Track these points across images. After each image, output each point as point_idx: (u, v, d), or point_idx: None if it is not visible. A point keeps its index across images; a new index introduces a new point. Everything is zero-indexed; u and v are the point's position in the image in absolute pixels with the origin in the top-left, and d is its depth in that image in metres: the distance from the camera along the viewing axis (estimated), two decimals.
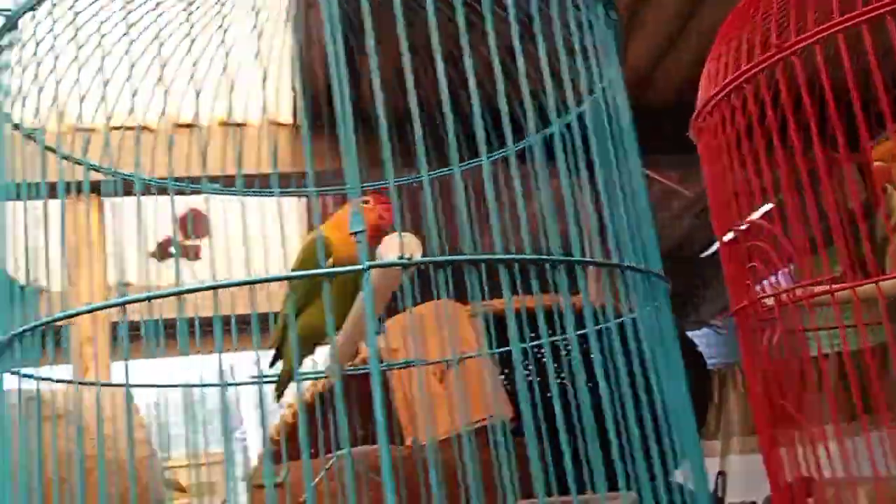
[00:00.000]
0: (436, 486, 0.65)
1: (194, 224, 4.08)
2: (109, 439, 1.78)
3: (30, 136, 0.84)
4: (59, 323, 0.82)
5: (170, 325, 1.01)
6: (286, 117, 2.65)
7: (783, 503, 0.91)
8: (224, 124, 2.75)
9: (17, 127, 0.82)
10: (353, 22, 0.71)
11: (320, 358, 1.08)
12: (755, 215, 0.99)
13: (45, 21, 0.73)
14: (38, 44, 0.74)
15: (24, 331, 0.68)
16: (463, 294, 0.86)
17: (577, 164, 0.77)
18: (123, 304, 0.61)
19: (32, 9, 0.67)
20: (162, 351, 1.20)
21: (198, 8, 1.21)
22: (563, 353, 1.34)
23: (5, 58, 0.77)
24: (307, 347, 0.94)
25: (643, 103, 3.15)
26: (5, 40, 0.74)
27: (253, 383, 1.02)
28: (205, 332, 1.02)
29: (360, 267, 0.51)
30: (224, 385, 1.04)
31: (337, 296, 0.90)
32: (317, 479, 1.05)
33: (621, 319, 0.80)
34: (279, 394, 0.95)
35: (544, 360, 1.56)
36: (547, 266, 0.61)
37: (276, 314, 1.01)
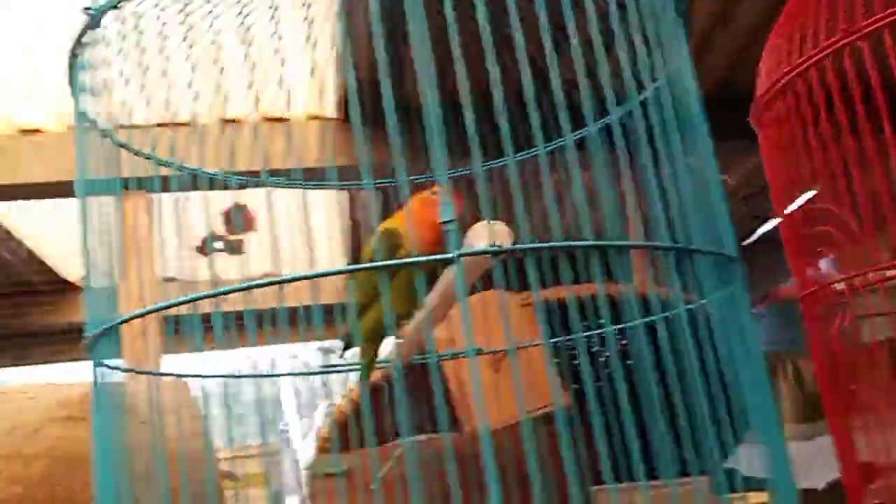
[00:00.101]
0: (492, 475, 0.66)
1: (239, 218, 4.15)
2: (170, 430, 1.81)
3: (105, 133, 0.86)
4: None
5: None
6: (331, 111, 2.67)
7: (854, 488, 0.91)
8: (269, 119, 2.78)
9: (91, 124, 0.84)
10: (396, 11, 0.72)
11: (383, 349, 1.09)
12: (803, 201, 0.99)
13: (124, 19, 0.75)
14: (120, 39, 0.76)
15: (117, 324, 0.70)
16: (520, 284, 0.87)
17: (639, 151, 0.77)
18: (214, 295, 0.62)
19: (116, 6, 0.68)
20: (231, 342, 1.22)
21: (248, 4, 1.23)
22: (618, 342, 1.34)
23: (85, 56, 0.79)
24: (378, 337, 0.95)
25: None
26: (87, 38, 0.76)
27: (334, 371, 1.04)
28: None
29: (450, 255, 0.52)
30: (302, 374, 1.06)
31: (407, 287, 0.91)
32: (386, 468, 1.06)
33: (690, 306, 0.80)
34: (365, 378, 0.97)
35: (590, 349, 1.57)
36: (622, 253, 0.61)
37: (331, 306, 1.02)
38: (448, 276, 0.71)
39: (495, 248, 0.52)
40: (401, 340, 1.03)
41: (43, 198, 2.86)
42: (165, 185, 1.17)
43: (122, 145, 0.89)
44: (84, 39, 0.76)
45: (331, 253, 4.42)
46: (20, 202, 3.20)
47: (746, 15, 2.81)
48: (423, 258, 0.55)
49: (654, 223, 0.77)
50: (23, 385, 1.85)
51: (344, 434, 1.88)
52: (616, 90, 0.78)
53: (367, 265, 0.64)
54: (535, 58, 0.69)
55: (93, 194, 0.84)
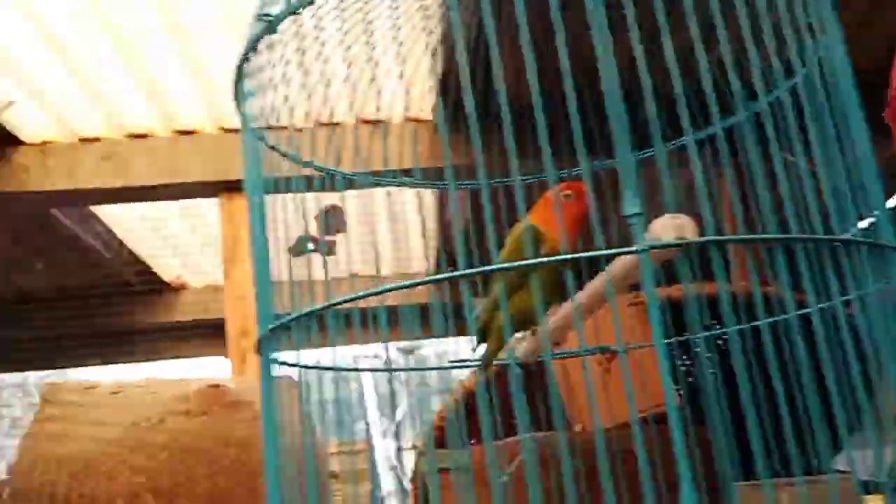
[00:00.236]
0: (605, 474, 0.65)
1: (332, 220, 4.21)
2: (281, 427, 1.85)
3: (261, 138, 0.88)
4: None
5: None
6: (427, 113, 2.69)
7: None
8: (366, 122, 2.82)
9: (252, 130, 0.87)
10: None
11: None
12: None
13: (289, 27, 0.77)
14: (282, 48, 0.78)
15: (287, 322, 0.72)
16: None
17: (789, 139, 0.76)
18: (379, 293, 0.63)
19: (295, 12, 0.70)
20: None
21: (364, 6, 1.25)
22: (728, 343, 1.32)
23: (258, 61, 0.81)
24: (514, 331, 0.96)
25: None
26: (263, 44, 0.78)
27: (457, 367, 1.05)
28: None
29: (637, 248, 0.51)
30: (445, 368, 1.07)
31: (549, 281, 0.92)
32: (516, 462, 1.06)
33: (847, 298, 0.78)
34: (485, 372, 0.97)
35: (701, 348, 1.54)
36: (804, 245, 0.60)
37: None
38: (610, 271, 0.71)
39: (684, 241, 0.52)
40: (533, 337, 1.03)
41: (152, 200, 2.96)
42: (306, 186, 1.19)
43: (273, 147, 0.91)
44: (259, 46, 0.77)
45: (422, 252, 4.46)
46: (121, 204, 3.30)
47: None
48: (607, 252, 0.54)
49: (790, 214, 0.75)
50: (142, 380, 1.91)
51: (444, 432, 1.89)
52: (764, 76, 0.76)
53: (561, 257, 0.64)
54: (682, 45, 0.69)
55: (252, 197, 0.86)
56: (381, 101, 0.97)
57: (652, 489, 0.52)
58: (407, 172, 1.22)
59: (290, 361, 0.84)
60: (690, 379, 1.90)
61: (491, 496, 1.09)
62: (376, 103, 0.97)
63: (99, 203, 3.12)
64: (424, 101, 2.64)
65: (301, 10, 0.68)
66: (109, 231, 3.76)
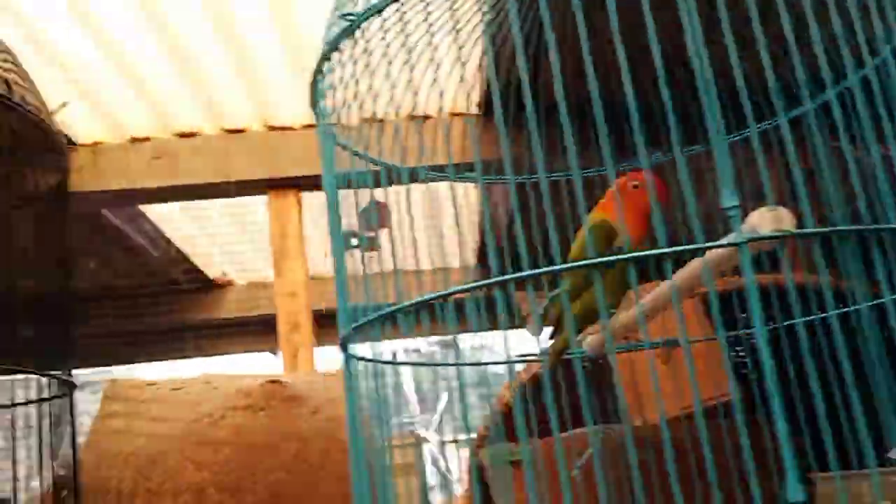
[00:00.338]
0: (671, 466, 0.65)
1: (375, 215, 4.23)
2: (339, 421, 1.87)
3: (328, 133, 0.89)
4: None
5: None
6: (473, 108, 2.70)
7: None
8: (412, 117, 2.82)
9: (326, 129, 0.88)
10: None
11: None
12: None
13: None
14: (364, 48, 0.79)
15: (370, 321, 0.73)
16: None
17: (861, 129, 0.75)
18: (469, 289, 0.64)
19: (379, 12, 0.71)
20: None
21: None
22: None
23: (336, 60, 0.82)
24: (586, 324, 0.96)
25: None
26: (345, 44, 0.78)
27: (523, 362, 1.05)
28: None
29: (736, 241, 0.51)
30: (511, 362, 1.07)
31: (619, 278, 0.92)
32: (586, 456, 1.07)
33: None
34: (552, 367, 0.98)
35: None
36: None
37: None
38: (693, 266, 0.71)
39: (784, 233, 0.52)
40: (602, 331, 1.03)
41: (201, 198, 2.99)
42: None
43: (343, 146, 0.92)
44: (341, 46, 0.78)
45: (461, 248, 4.46)
46: (169, 203, 3.35)
47: None
48: (707, 245, 0.55)
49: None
50: (202, 376, 1.94)
51: (509, 423, 1.89)
52: (833, 66, 0.75)
53: (614, 257, 0.64)
54: (745, 36, 0.68)
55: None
56: (443, 99, 0.97)
57: (715, 481, 0.52)
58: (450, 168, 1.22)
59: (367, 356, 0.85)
60: (744, 371, 1.88)
61: (559, 488, 1.09)
62: (439, 102, 0.97)
63: (149, 202, 3.16)
64: (470, 98, 2.64)
65: (382, 11, 0.69)
66: (157, 230, 3.81)
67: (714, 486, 0.61)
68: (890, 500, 0.93)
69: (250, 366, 5.49)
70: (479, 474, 1.85)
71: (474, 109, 2.72)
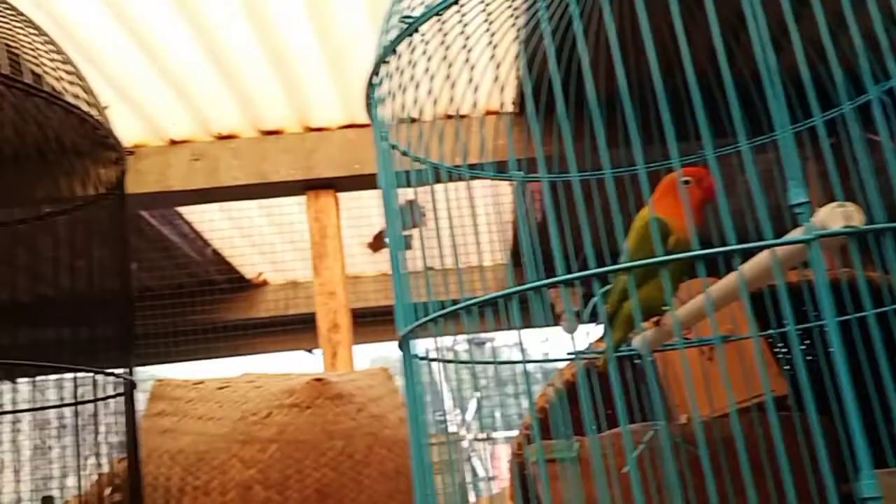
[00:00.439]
0: (706, 462, 0.65)
1: (411, 214, 4.25)
2: (381, 418, 1.89)
3: (383, 136, 0.90)
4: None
5: None
6: (508, 106, 2.70)
7: None
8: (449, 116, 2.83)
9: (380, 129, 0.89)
10: None
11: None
12: None
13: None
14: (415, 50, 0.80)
15: (427, 321, 0.74)
16: None
17: None
18: (525, 290, 0.65)
19: (438, 14, 0.72)
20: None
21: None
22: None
23: (393, 63, 0.83)
24: (642, 320, 0.96)
25: None
26: (403, 45, 0.79)
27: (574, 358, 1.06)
28: None
29: (805, 237, 0.51)
30: (578, 359, 1.08)
31: (676, 272, 0.92)
32: (638, 450, 1.07)
33: None
34: (606, 365, 0.98)
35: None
36: None
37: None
38: (758, 261, 0.71)
39: (856, 229, 0.52)
40: (657, 326, 1.03)
41: (239, 199, 3.02)
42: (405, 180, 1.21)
43: (394, 146, 0.93)
44: (398, 48, 0.79)
45: (491, 245, 4.46)
46: (206, 205, 3.38)
47: None
48: (779, 242, 0.55)
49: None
50: (248, 375, 1.96)
51: (546, 422, 1.90)
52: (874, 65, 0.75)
53: (683, 255, 0.64)
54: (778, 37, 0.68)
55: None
56: (503, 96, 0.98)
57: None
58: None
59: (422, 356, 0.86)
60: (788, 367, 1.87)
61: (594, 485, 1.09)
62: (500, 98, 0.98)
63: (188, 204, 3.20)
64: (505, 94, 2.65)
65: (443, 12, 0.69)
66: (194, 231, 3.86)
67: (749, 483, 0.61)
68: None
69: (286, 365, 5.53)
70: (521, 472, 1.86)
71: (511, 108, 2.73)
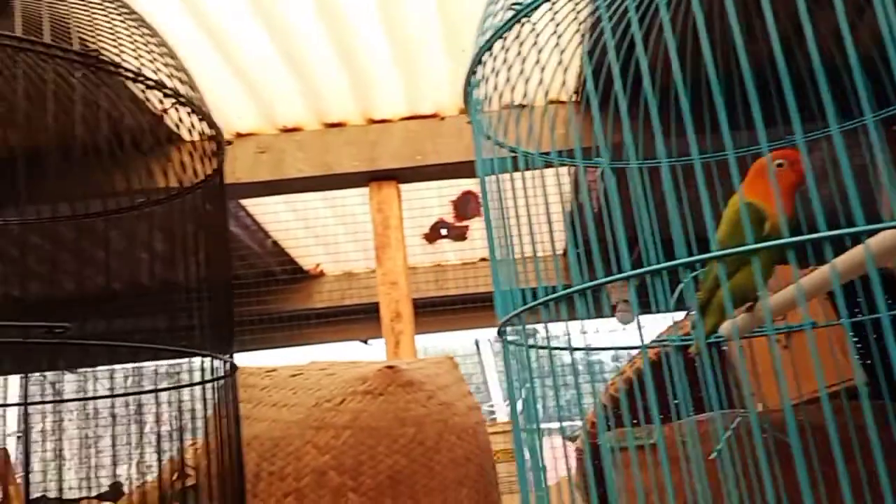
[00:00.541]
0: (797, 450, 0.65)
1: (465, 205, 4.27)
2: (450, 406, 1.91)
3: (476, 124, 0.91)
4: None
5: None
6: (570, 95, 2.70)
7: None
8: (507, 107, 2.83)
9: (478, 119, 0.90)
10: None
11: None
12: None
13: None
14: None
15: (527, 308, 0.75)
16: None
17: None
18: (625, 277, 0.66)
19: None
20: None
21: None
22: None
23: (498, 48, 0.84)
24: (735, 307, 0.97)
25: None
26: (512, 33, 0.81)
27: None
28: None
29: None
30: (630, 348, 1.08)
31: (766, 260, 0.92)
32: (727, 435, 1.07)
33: None
34: (698, 352, 0.99)
35: None
36: None
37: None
38: (854, 253, 0.71)
39: None
40: (748, 313, 1.03)
41: (304, 191, 3.07)
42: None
43: (487, 137, 0.94)
44: (506, 35, 0.80)
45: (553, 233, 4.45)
46: (268, 197, 3.43)
47: None
48: (869, 227, 0.55)
49: None
50: (318, 363, 2.00)
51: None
52: None
53: (772, 243, 0.64)
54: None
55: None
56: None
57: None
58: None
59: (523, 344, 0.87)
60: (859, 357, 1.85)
61: (672, 472, 1.10)
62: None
63: (254, 196, 3.26)
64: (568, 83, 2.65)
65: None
66: (256, 223, 3.92)
67: (842, 471, 0.61)
68: None
69: (342, 356, 5.59)
70: (592, 461, 1.86)
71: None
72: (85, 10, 0.95)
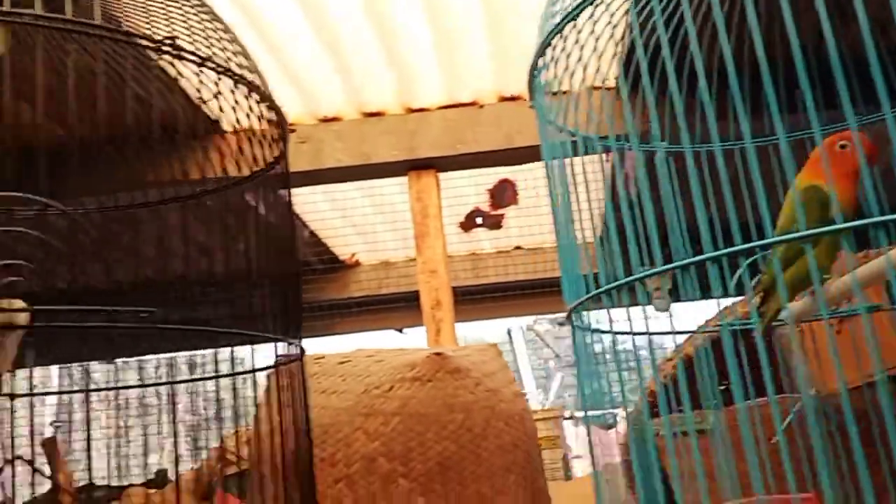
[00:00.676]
0: (853, 431, 0.64)
1: (502, 193, 4.27)
2: (497, 393, 1.91)
3: (537, 108, 0.91)
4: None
5: None
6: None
7: None
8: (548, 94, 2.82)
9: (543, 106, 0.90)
10: None
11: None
12: None
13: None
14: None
15: (598, 293, 0.75)
16: None
17: None
18: (686, 265, 0.65)
19: None
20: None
21: None
22: None
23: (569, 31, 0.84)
24: (798, 291, 0.96)
25: None
26: (584, 16, 0.81)
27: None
28: None
29: None
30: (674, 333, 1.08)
31: (830, 243, 0.91)
32: (787, 421, 1.07)
33: None
34: (763, 333, 0.98)
35: None
36: None
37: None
38: None
39: None
40: (809, 298, 1.02)
41: (343, 181, 3.08)
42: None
43: (549, 122, 0.94)
44: (579, 21, 0.81)
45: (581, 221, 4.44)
46: (307, 187, 3.45)
47: None
48: None
49: None
50: (365, 350, 2.01)
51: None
52: None
53: (829, 228, 0.64)
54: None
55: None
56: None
57: None
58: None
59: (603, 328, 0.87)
60: None
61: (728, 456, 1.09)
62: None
63: (294, 187, 3.27)
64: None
65: None
66: (293, 213, 3.94)
67: None
68: None
69: (382, 344, 5.60)
70: (638, 448, 1.86)
71: None
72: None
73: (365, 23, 2.46)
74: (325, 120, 2.89)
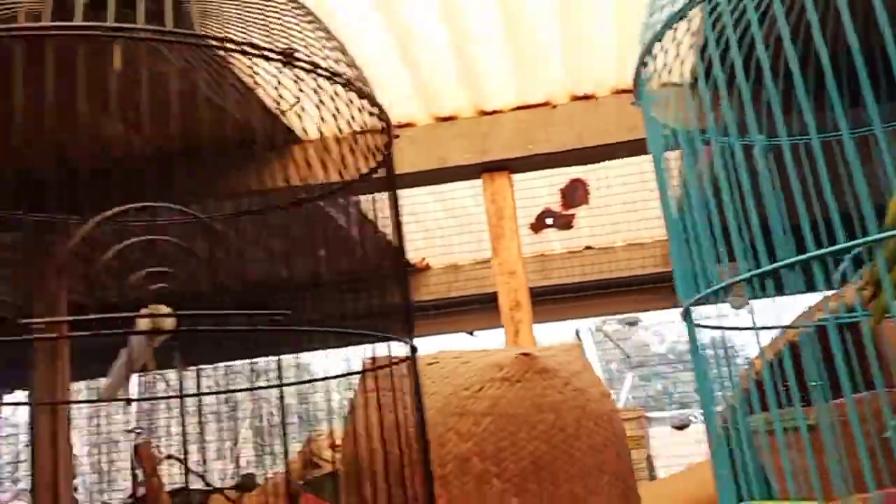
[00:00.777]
0: None
1: (574, 193, 4.26)
2: (585, 392, 1.91)
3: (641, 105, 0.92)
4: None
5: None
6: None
7: None
8: (620, 92, 2.81)
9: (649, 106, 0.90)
10: None
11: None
12: None
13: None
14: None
15: (713, 291, 0.75)
16: None
17: None
18: (822, 255, 0.65)
19: None
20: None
21: None
22: None
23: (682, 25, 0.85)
24: None
25: None
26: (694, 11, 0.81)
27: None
28: None
29: None
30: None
31: None
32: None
33: None
34: (878, 322, 0.97)
35: None
36: None
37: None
38: None
39: None
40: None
41: (418, 186, 3.11)
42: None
43: (650, 117, 0.94)
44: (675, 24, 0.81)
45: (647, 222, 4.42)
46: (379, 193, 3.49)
47: None
48: None
49: None
50: (450, 351, 2.03)
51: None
52: None
53: None
54: None
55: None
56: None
57: None
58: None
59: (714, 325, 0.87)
60: None
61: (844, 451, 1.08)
62: None
63: (370, 192, 3.32)
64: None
65: None
66: (366, 218, 3.99)
67: None
68: None
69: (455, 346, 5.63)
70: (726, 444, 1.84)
71: None
72: (257, 4, 1.00)
73: (438, 28, 2.49)
74: (400, 125, 2.92)
